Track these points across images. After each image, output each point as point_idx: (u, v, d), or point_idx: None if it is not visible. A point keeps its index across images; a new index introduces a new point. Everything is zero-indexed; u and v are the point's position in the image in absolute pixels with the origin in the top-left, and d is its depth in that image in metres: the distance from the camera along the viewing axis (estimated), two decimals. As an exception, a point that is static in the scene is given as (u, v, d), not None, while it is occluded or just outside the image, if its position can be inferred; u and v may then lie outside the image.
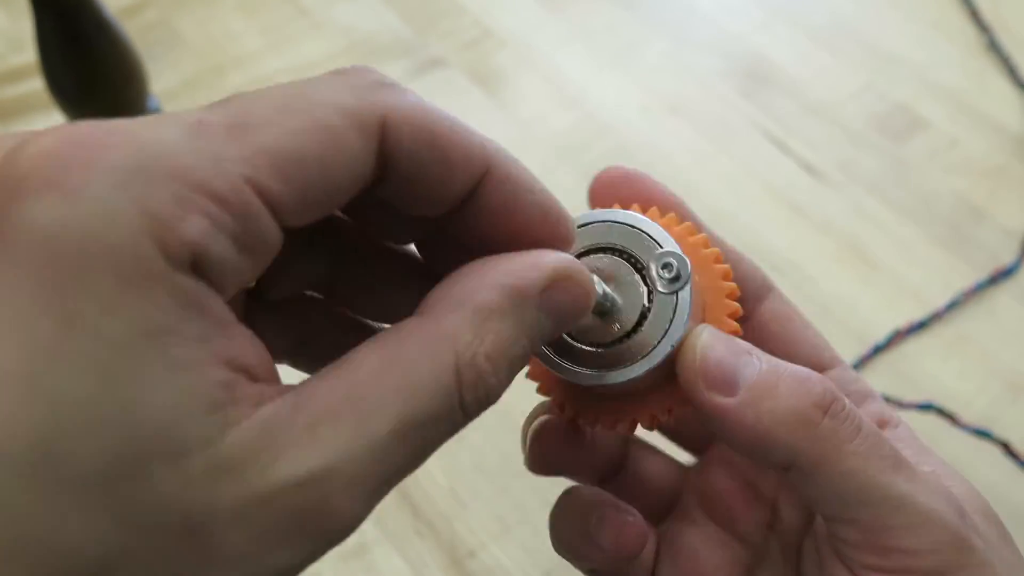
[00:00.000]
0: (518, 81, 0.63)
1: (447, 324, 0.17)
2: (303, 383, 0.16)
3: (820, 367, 0.25)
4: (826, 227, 0.55)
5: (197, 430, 0.14)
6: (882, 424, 0.25)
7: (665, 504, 0.29)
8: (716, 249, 0.23)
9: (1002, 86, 0.63)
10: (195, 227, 0.14)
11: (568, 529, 0.25)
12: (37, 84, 0.59)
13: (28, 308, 0.13)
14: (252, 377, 0.15)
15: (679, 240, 0.22)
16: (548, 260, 0.18)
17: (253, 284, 0.20)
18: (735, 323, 0.23)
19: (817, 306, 0.52)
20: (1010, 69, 0.63)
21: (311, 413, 0.15)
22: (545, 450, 0.26)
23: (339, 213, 0.20)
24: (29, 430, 0.13)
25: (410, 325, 0.17)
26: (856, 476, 0.20)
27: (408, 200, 0.19)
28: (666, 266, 0.21)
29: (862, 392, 0.26)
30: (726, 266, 0.23)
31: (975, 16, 0.66)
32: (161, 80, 0.62)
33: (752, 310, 0.27)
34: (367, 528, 0.44)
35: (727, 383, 0.21)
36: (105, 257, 0.13)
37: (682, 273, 0.21)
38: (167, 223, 0.14)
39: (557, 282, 0.18)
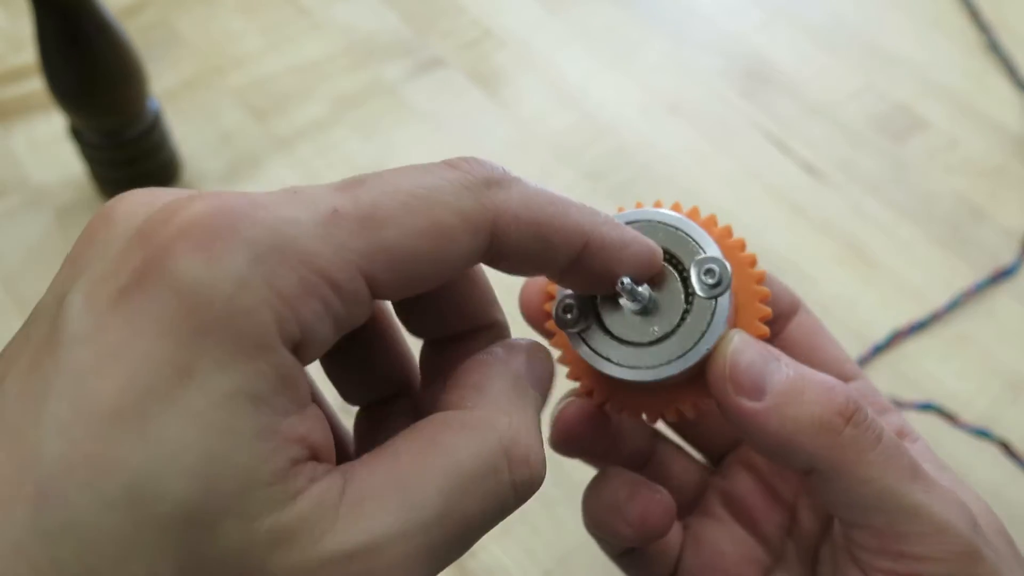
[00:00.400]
0: (518, 81, 0.63)
1: (486, 412, 0.19)
2: (349, 465, 0.17)
3: (843, 379, 0.24)
4: (826, 227, 0.55)
5: (267, 495, 0.15)
6: (901, 437, 0.26)
7: (689, 500, 0.30)
8: (752, 254, 0.24)
9: (1002, 86, 0.63)
10: (310, 309, 0.16)
11: (599, 504, 0.26)
12: (37, 84, 0.59)
13: (153, 351, 0.14)
14: (315, 456, 0.16)
15: (719, 243, 0.23)
16: (519, 346, 0.21)
17: None
18: (765, 327, 0.23)
19: (817, 306, 0.51)
20: (1010, 69, 0.63)
21: (357, 492, 0.16)
22: (570, 430, 0.27)
23: None
24: (129, 467, 0.14)
25: (445, 415, 0.19)
26: (874, 483, 0.21)
27: (511, 270, 0.20)
28: (708, 271, 0.22)
29: (882, 405, 0.27)
30: (761, 271, 0.24)
31: (975, 16, 0.66)
32: (161, 80, 0.62)
33: (782, 327, 0.28)
34: (367, 528, 0.44)
35: (755, 388, 0.21)
36: (229, 320, 0.15)
37: (723, 279, 0.22)
38: (289, 301, 0.15)
39: (532, 357, 0.21)
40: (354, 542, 0.16)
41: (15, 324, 0.54)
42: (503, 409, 0.19)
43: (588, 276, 0.21)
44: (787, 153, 0.59)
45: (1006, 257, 0.53)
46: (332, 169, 0.58)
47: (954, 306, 0.51)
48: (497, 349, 0.21)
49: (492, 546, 0.43)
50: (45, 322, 0.16)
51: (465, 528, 0.17)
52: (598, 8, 0.68)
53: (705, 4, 0.68)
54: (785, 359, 0.22)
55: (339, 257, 0.16)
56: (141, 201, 0.17)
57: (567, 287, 0.23)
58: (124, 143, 0.52)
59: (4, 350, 0.16)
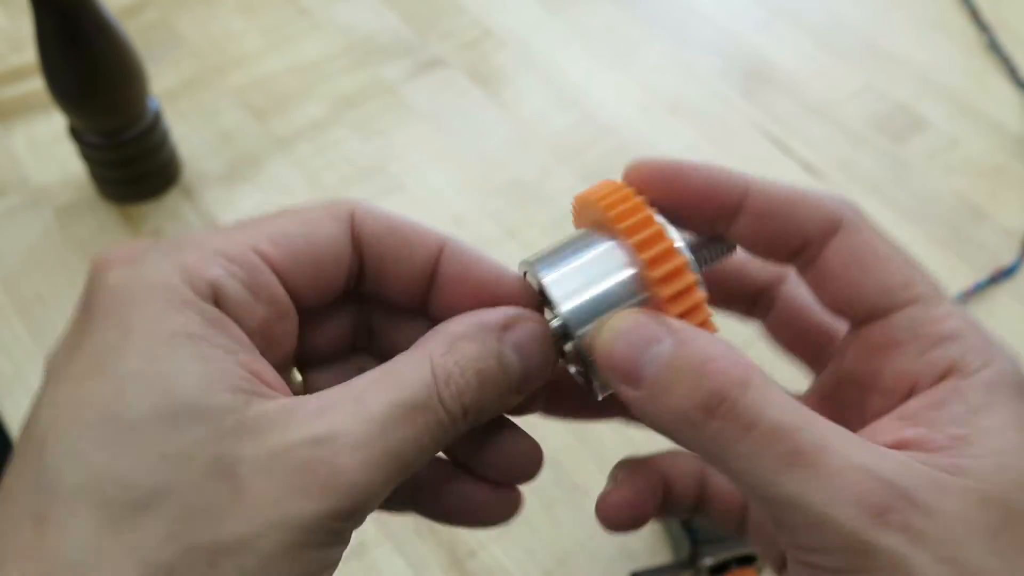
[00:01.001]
0: (518, 81, 0.63)
1: (427, 345, 0.22)
2: (317, 392, 0.21)
3: (891, 307, 0.23)
4: (826, 227, 0.55)
5: (223, 401, 0.19)
6: (948, 373, 0.22)
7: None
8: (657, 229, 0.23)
9: (1002, 86, 0.63)
10: (212, 272, 0.21)
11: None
12: (37, 84, 0.59)
13: (101, 325, 0.20)
14: (269, 386, 0.21)
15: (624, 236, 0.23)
16: (506, 309, 0.23)
17: (294, 344, 0.25)
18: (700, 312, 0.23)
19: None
20: (1010, 69, 0.63)
21: (319, 402, 0.20)
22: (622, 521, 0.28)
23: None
24: (99, 399, 0.19)
25: (402, 353, 0.22)
26: (742, 476, 0.20)
27: (388, 283, 0.24)
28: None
29: (936, 336, 0.22)
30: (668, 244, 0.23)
31: (975, 16, 0.66)
32: (161, 80, 0.62)
33: (816, 253, 0.24)
34: (367, 528, 0.44)
35: (633, 376, 0.21)
36: (152, 292, 0.20)
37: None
38: (193, 269, 0.21)
39: (513, 322, 0.23)
40: (316, 432, 0.19)
41: (15, 324, 0.54)
42: (444, 342, 0.22)
43: (456, 292, 0.24)
44: (787, 153, 0.59)
45: (1006, 257, 0.53)
46: (332, 169, 0.58)
47: (954, 306, 0.51)
48: (482, 309, 0.23)
49: (492, 546, 0.43)
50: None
51: (410, 432, 0.21)
52: (598, 8, 0.68)
53: (705, 4, 0.68)
54: (671, 337, 0.21)
55: (226, 239, 0.22)
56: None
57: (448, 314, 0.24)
58: (124, 143, 0.52)
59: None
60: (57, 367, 0.20)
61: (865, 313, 0.23)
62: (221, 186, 0.57)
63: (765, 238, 0.24)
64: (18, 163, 0.58)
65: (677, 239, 0.23)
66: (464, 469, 0.26)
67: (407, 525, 0.44)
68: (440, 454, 0.25)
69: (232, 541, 0.18)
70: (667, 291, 0.22)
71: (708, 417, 0.20)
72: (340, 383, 0.22)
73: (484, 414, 0.23)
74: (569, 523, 0.44)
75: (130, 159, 0.53)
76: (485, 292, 0.24)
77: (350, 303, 0.26)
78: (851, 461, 0.19)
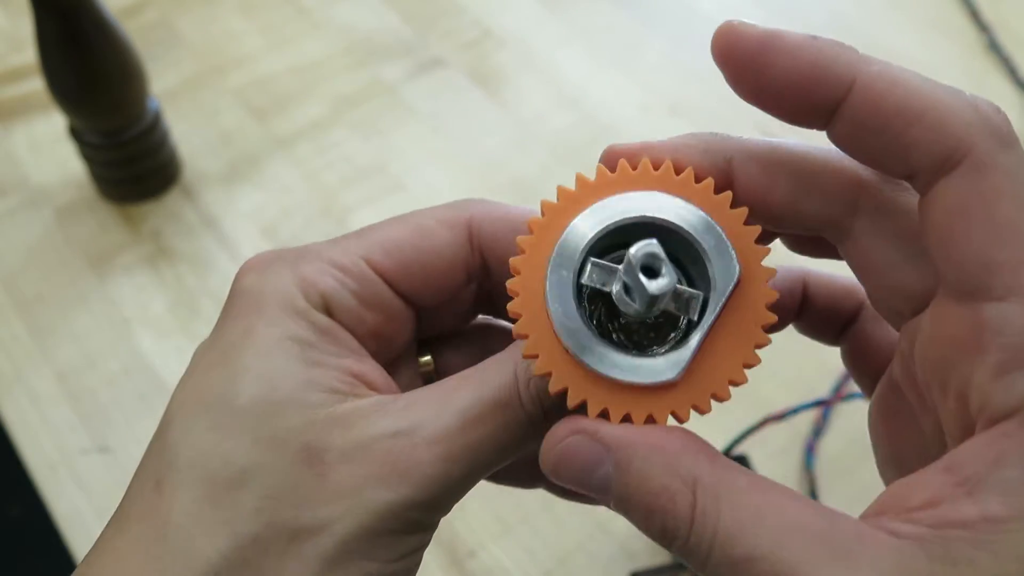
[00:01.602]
0: (518, 81, 0.63)
1: (515, 348, 0.22)
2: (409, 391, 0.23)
3: (985, 290, 0.17)
4: (826, 227, 0.55)
5: (319, 398, 0.21)
6: (1018, 410, 0.17)
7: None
8: (744, 208, 0.20)
9: (1002, 86, 0.63)
10: (325, 283, 0.23)
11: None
12: (37, 84, 0.59)
13: (231, 326, 0.22)
14: (372, 388, 0.22)
15: (709, 206, 0.20)
16: None
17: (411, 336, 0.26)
18: (762, 334, 0.20)
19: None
20: (1010, 69, 0.63)
21: (408, 398, 0.22)
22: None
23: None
24: (217, 388, 0.21)
25: (492, 356, 0.23)
26: None
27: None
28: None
29: (1019, 348, 0.17)
30: (765, 248, 0.20)
31: (975, 16, 0.66)
32: (161, 80, 0.62)
33: (928, 187, 0.18)
34: (367, 528, 0.44)
35: (593, 494, 0.20)
36: (272, 298, 0.22)
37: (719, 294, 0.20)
38: (309, 280, 0.23)
39: None
40: (399, 425, 0.21)
41: (15, 324, 0.54)
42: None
43: None
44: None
45: (1006, 257, 0.53)
46: (332, 169, 0.58)
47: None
48: None
49: (492, 546, 0.43)
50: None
51: (491, 429, 0.21)
52: (598, 8, 0.68)
53: (705, 4, 0.68)
54: (610, 461, 0.19)
55: (342, 251, 0.23)
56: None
57: None
58: (124, 143, 0.52)
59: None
60: (196, 357, 0.23)
61: (953, 288, 0.18)
62: (221, 186, 0.57)
63: (865, 155, 0.19)
64: (18, 163, 0.58)
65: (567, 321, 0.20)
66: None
67: (407, 525, 0.44)
68: None
69: (313, 522, 0.20)
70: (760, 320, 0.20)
71: (668, 546, 0.19)
72: (465, 358, 0.24)
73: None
74: (569, 523, 0.44)
75: (130, 159, 0.53)
76: None
77: (481, 298, 0.27)
78: None
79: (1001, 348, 0.17)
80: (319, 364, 0.22)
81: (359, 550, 0.20)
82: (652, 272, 0.19)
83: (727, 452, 0.43)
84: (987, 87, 0.62)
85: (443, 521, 0.47)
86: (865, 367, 0.25)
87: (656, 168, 0.21)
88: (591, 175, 0.21)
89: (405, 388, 0.25)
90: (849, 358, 0.25)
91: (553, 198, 0.21)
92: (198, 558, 0.20)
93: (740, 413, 0.45)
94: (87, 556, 0.21)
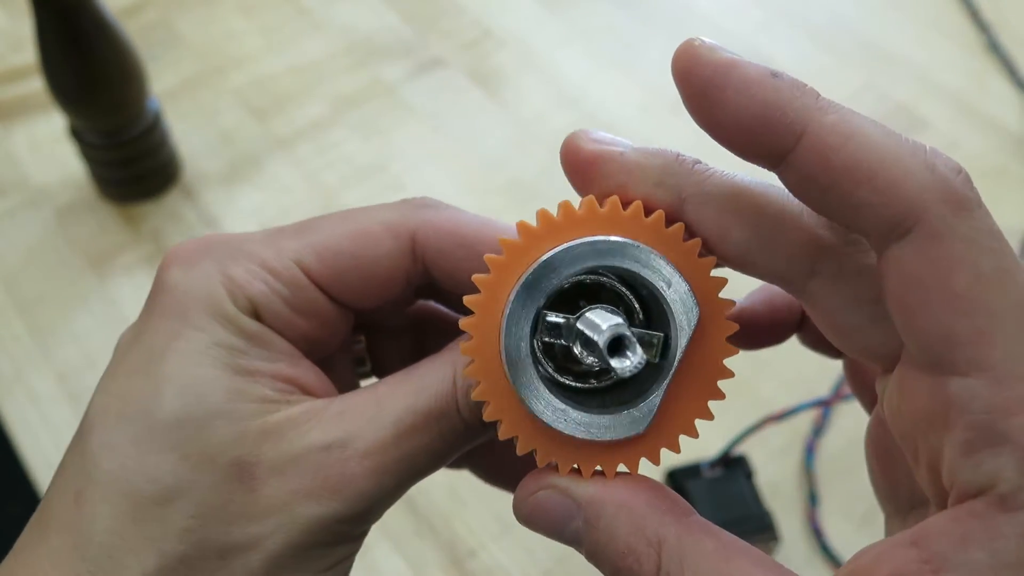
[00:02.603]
0: (518, 81, 0.63)
1: (453, 352, 0.22)
2: (341, 395, 0.22)
3: (948, 366, 0.16)
4: (826, 227, 0.55)
5: (250, 409, 0.20)
6: (987, 489, 0.16)
7: None
8: (697, 240, 0.20)
9: (1002, 86, 0.63)
10: (255, 288, 0.22)
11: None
12: (37, 84, 0.59)
13: (155, 326, 0.21)
14: (307, 391, 0.22)
15: (665, 245, 0.19)
16: None
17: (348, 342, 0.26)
18: (726, 368, 0.20)
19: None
20: (1010, 69, 0.63)
21: (342, 404, 0.21)
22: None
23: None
24: (140, 397, 0.20)
25: (428, 358, 0.22)
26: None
27: (455, 287, 0.24)
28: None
29: (992, 433, 0.16)
30: (718, 274, 0.20)
31: (975, 16, 0.66)
32: (161, 80, 0.62)
33: (881, 250, 0.17)
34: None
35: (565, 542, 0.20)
36: (199, 301, 0.21)
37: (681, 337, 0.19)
38: (237, 283, 0.22)
39: None
40: (332, 437, 0.20)
41: (15, 324, 0.54)
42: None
43: None
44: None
45: (1006, 257, 0.53)
46: (332, 169, 0.58)
47: (954, 306, 0.51)
48: None
49: (492, 546, 0.43)
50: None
51: (426, 440, 0.21)
52: (598, 8, 0.68)
53: (705, 4, 0.68)
54: (581, 516, 0.19)
55: (274, 252, 0.22)
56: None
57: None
58: (124, 143, 0.52)
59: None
60: (119, 354, 0.22)
61: (916, 359, 0.17)
62: (221, 186, 0.57)
63: (816, 207, 0.18)
64: (18, 163, 0.58)
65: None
66: None
67: (407, 525, 0.44)
68: None
69: (243, 539, 0.20)
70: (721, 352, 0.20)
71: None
72: (402, 345, 0.24)
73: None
74: (569, 523, 0.44)
75: (130, 159, 0.53)
76: None
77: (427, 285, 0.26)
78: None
79: (967, 426, 0.16)
80: (248, 372, 0.21)
81: (288, 565, 0.20)
82: (620, 349, 0.18)
83: (727, 452, 0.43)
84: (987, 87, 0.63)
85: (443, 521, 0.47)
86: (865, 382, 0.24)
87: (624, 207, 0.20)
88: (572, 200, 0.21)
89: (339, 378, 0.25)
90: (849, 372, 0.25)
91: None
92: None
93: (740, 413, 0.45)
94: (6, 561, 0.21)
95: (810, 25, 0.67)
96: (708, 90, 0.18)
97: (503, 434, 0.20)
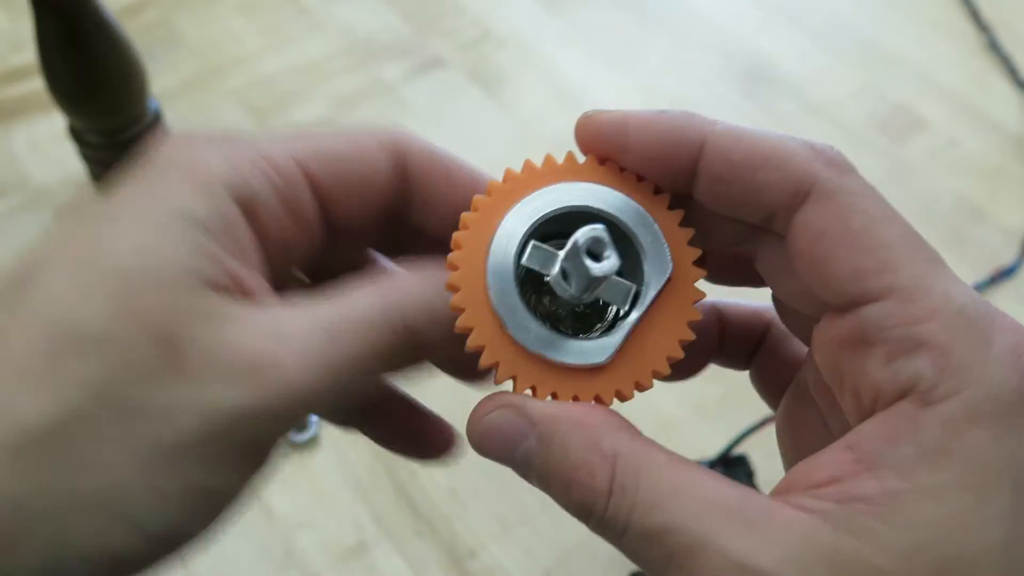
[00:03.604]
0: (518, 81, 0.63)
1: (398, 271, 0.22)
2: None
3: (861, 297, 0.19)
4: (826, 227, 0.55)
5: (190, 283, 0.19)
6: (910, 390, 0.18)
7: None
8: (680, 211, 0.22)
9: (1002, 86, 0.63)
10: (252, 173, 0.21)
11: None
12: (37, 84, 0.59)
13: (130, 184, 0.21)
14: (245, 293, 0.21)
15: (636, 192, 0.21)
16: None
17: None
18: (694, 310, 0.21)
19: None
20: (1010, 69, 0.63)
21: (280, 310, 0.20)
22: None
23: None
24: (91, 244, 0.20)
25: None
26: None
27: (429, 216, 0.24)
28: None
29: (907, 341, 0.18)
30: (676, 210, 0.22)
31: (975, 16, 0.66)
32: (161, 80, 0.62)
33: (785, 226, 0.20)
34: (367, 527, 0.44)
35: (514, 467, 0.21)
36: (183, 173, 0.21)
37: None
38: (234, 163, 0.21)
39: None
40: (265, 330, 0.20)
41: (15, 324, 0.53)
42: (414, 269, 0.22)
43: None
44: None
45: (1006, 257, 0.53)
46: (332, 169, 0.58)
47: (954, 306, 0.51)
48: None
49: (492, 546, 0.43)
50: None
51: (353, 360, 0.20)
52: (598, 8, 0.68)
53: (705, 4, 0.68)
54: (534, 434, 0.20)
55: (276, 146, 0.22)
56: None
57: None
58: (124, 143, 0.52)
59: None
60: (83, 206, 0.21)
61: (834, 301, 0.19)
62: (221, 186, 0.57)
63: (727, 207, 0.21)
64: (18, 163, 0.58)
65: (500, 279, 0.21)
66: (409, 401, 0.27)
67: (407, 525, 0.44)
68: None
69: (153, 410, 0.18)
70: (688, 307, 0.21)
71: (585, 520, 0.20)
72: None
73: (434, 348, 0.22)
74: (569, 523, 0.44)
75: (130, 159, 0.53)
76: None
77: (391, 230, 0.25)
78: (729, 558, 0.18)
79: (884, 341, 0.18)
80: (206, 254, 0.20)
81: (195, 453, 0.19)
82: (595, 256, 0.20)
83: (727, 452, 0.43)
84: (987, 87, 0.63)
85: (443, 521, 0.48)
86: (773, 385, 0.26)
87: (603, 163, 0.22)
88: (564, 159, 0.22)
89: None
90: (758, 378, 0.26)
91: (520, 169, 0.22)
92: (13, 418, 0.18)
93: (740, 413, 0.45)
94: None
95: (810, 25, 0.67)
96: (614, 140, 0.21)
97: (484, 361, 0.20)
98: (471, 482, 0.45)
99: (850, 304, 0.19)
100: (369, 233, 0.25)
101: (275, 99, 0.62)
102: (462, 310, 0.21)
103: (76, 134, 0.53)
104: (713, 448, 0.43)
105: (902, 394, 0.18)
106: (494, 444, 0.20)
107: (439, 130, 0.60)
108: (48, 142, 0.59)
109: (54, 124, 0.60)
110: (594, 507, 0.19)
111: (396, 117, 0.61)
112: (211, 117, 0.61)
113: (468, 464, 0.45)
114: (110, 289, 0.19)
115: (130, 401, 0.18)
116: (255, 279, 0.21)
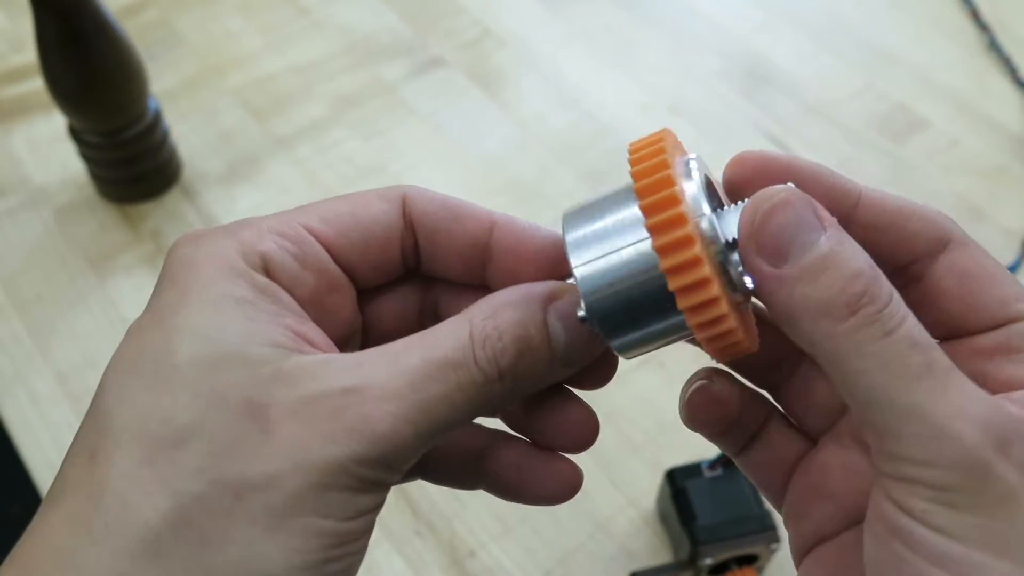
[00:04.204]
0: (518, 81, 0.63)
1: (471, 311, 0.23)
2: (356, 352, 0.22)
3: (1009, 318, 0.23)
4: (826, 227, 0.55)
5: (262, 352, 0.21)
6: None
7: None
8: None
9: (1002, 86, 0.63)
10: (264, 245, 0.23)
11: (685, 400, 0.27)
12: (37, 84, 0.59)
13: (166, 289, 0.22)
14: (314, 346, 0.22)
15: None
16: (555, 282, 0.24)
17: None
18: None
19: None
20: (1010, 69, 0.63)
21: (356, 357, 0.21)
22: (697, 415, 0.27)
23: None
24: (152, 348, 0.21)
25: (447, 319, 0.23)
26: (867, 376, 0.20)
27: (445, 260, 0.25)
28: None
29: None
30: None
31: (975, 16, 0.66)
32: (161, 80, 0.62)
33: (924, 269, 0.24)
34: (367, 528, 0.44)
35: (778, 253, 0.21)
36: (209, 262, 0.22)
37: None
38: (247, 243, 0.23)
39: (561, 293, 0.23)
40: (347, 382, 0.21)
41: (15, 324, 0.53)
42: (486, 308, 0.23)
43: (507, 267, 0.25)
44: (787, 153, 0.59)
45: (1006, 257, 0.53)
46: (331, 169, 0.58)
47: (954, 306, 0.51)
48: (534, 282, 0.24)
49: (492, 546, 0.43)
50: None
51: (444, 389, 0.21)
52: (598, 8, 0.68)
53: (705, 4, 0.68)
54: (832, 229, 0.21)
55: (282, 219, 0.24)
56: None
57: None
58: (124, 143, 0.52)
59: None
60: (131, 327, 0.22)
61: (983, 325, 0.23)
62: (221, 186, 0.57)
63: (873, 252, 0.22)
64: (18, 163, 0.58)
65: (694, 206, 0.21)
66: (521, 440, 0.26)
67: (407, 525, 0.44)
68: (504, 428, 0.26)
69: (258, 478, 0.20)
70: (669, 263, 0.20)
71: (850, 313, 0.20)
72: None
73: (527, 381, 0.23)
74: (569, 523, 0.44)
75: (130, 159, 0.53)
76: (540, 259, 0.25)
77: (414, 283, 0.27)
78: (979, 392, 0.20)
79: None
80: (258, 319, 0.21)
81: (309, 506, 0.20)
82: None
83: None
84: (987, 87, 0.63)
85: (443, 521, 0.47)
86: (771, 469, 0.27)
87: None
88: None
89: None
90: (756, 459, 0.28)
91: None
92: (135, 522, 0.19)
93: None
94: (21, 538, 0.20)
95: (810, 25, 0.67)
96: (778, 180, 0.23)
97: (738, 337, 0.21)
98: (471, 482, 0.45)
99: (997, 325, 0.23)
100: (404, 294, 0.27)
101: (275, 99, 0.62)
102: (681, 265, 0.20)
103: (76, 134, 0.53)
104: (713, 448, 0.43)
105: None
106: (783, 220, 0.21)
107: (439, 130, 0.60)
108: (48, 142, 0.59)
109: (54, 124, 0.60)
110: (876, 296, 0.20)
111: (396, 117, 0.61)
112: (211, 117, 0.61)
113: (468, 464, 0.45)
114: (183, 380, 0.20)
115: (235, 475, 0.20)
116: (314, 330, 0.23)
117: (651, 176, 0.21)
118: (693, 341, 0.23)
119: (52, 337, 0.50)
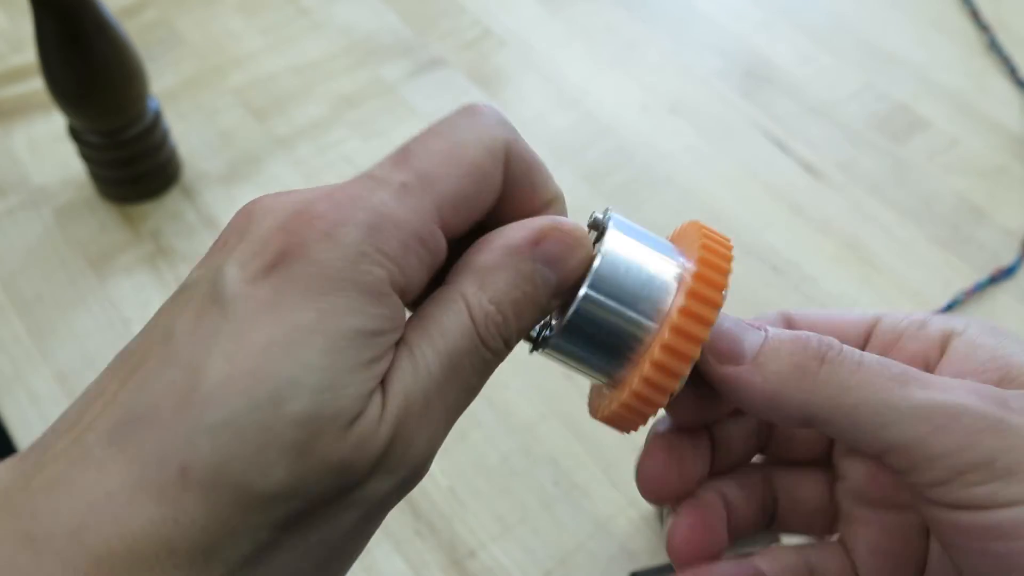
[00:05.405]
0: (518, 81, 0.63)
1: (459, 285, 0.22)
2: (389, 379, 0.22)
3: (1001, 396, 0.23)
4: (826, 227, 0.55)
5: (357, 409, 0.19)
6: (946, 337, 0.25)
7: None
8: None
9: (1002, 86, 0.63)
10: (410, 264, 0.21)
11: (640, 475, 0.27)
12: (37, 84, 0.59)
13: (300, 304, 0.19)
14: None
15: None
16: (535, 222, 0.23)
17: None
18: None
19: (817, 305, 0.52)
20: (1010, 69, 0.63)
21: (399, 399, 0.21)
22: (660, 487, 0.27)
23: None
24: (276, 377, 0.19)
25: (435, 296, 0.22)
26: (866, 404, 0.21)
27: (507, 217, 0.24)
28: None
29: (914, 321, 0.26)
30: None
31: (975, 16, 0.66)
32: (161, 80, 0.62)
33: (935, 359, 0.26)
34: (367, 528, 0.44)
35: (734, 354, 0.23)
36: (353, 279, 0.20)
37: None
38: (395, 260, 0.20)
39: (545, 235, 0.22)
40: (392, 433, 0.20)
41: (15, 324, 0.53)
42: (474, 279, 0.22)
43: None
44: (787, 153, 0.59)
45: (1006, 257, 0.53)
46: (332, 169, 0.58)
47: (954, 306, 0.51)
48: (507, 226, 0.23)
49: (492, 546, 0.43)
50: (205, 284, 0.20)
51: (462, 380, 0.21)
52: (598, 8, 0.68)
53: (705, 4, 0.68)
54: (768, 327, 0.23)
55: (420, 218, 0.21)
56: (274, 200, 0.22)
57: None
58: (124, 143, 0.52)
59: (166, 305, 0.21)
60: (241, 310, 0.19)
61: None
62: (221, 186, 0.57)
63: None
64: (18, 163, 0.58)
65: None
66: None
67: (407, 525, 0.44)
68: None
69: (325, 520, 0.20)
70: (663, 361, 0.22)
71: (821, 362, 0.22)
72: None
73: (528, 327, 0.23)
74: (569, 523, 0.44)
75: (130, 159, 0.53)
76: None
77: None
78: (953, 378, 0.22)
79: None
80: (372, 362, 0.20)
81: (358, 536, 0.22)
82: None
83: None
84: (987, 87, 0.63)
85: (443, 521, 0.47)
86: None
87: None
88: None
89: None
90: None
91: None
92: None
93: (740, 413, 0.45)
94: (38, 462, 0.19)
95: (810, 25, 0.67)
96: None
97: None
98: (471, 482, 0.45)
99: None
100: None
101: (275, 99, 0.62)
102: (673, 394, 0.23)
103: (76, 134, 0.53)
104: (713, 448, 0.43)
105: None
106: (729, 327, 0.23)
107: (439, 130, 0.60)
108: (48, 142, 0.59)
109: (54, 124, 0.60)
110: (832, 344, 0.23)
111: (396, 117, 0.61)
112: (211, 117, 0.61)
113: (468, 464, 0.45)
114: (292, 439, 0.19)
115: (312, 526, 0.20)
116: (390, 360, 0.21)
117: (711, 287, 0.22)
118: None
119: (52, 337, 0.50)
